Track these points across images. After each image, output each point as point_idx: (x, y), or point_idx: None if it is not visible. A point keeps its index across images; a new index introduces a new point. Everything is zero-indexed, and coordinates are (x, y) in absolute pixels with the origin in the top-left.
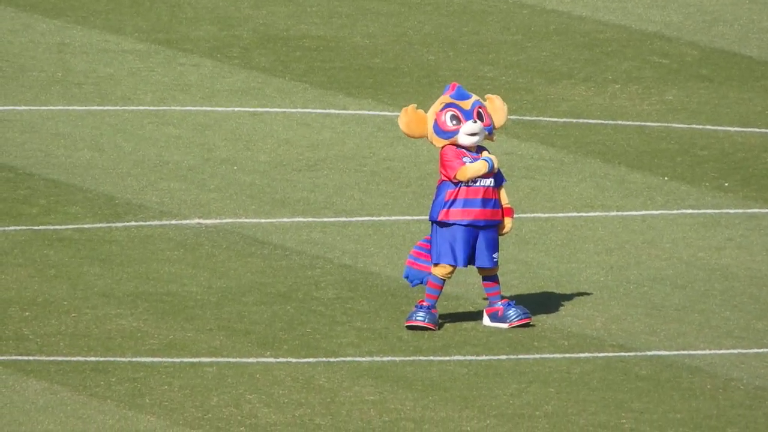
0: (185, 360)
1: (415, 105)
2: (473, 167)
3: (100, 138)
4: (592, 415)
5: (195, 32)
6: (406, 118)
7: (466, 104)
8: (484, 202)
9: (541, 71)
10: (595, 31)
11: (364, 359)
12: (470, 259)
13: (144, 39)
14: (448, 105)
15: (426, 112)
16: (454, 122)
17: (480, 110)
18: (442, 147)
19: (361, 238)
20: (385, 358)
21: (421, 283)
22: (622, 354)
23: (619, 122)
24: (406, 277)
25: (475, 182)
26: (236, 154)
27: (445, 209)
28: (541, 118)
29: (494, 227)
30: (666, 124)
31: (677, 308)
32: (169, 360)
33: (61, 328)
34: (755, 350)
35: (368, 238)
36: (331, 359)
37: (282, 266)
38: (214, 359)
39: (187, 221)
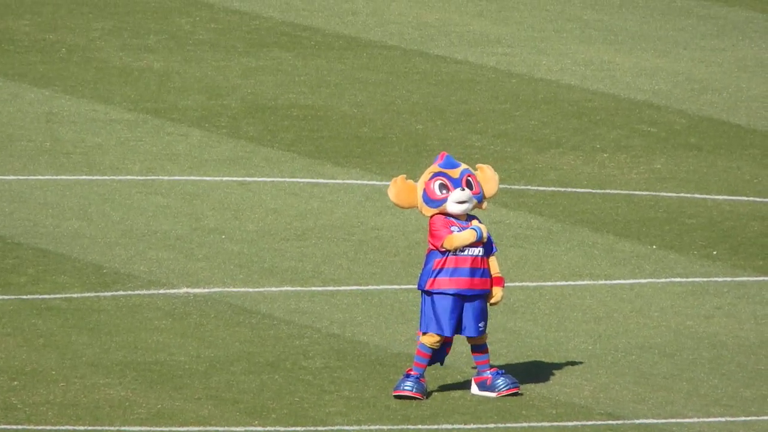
0: (174, 429)
1: (405, 175)
2: (460, 236)
3: (88, 207)
4: None
5: (183, 101)
6: (396, 188)
7: (455, 173)
8: (473, 271)
9: (529, 140)
10: (583, 99)
11: (352, 428)
12: (458, 328)
13: (132, 108)
14: (437, 174)
15: (415, 182)
16: (443, 191)
17: (469, 178)
18: (431, 216)
19: (349, 307)
20: (373, 427)
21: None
22: (611, 422)
23: (608, 191)
24: (434, 362)
25: (463, 251)
26: (224, 223)
27: (432, 278)
28: (529, 186)
29: (482, 297)
30: (654, 193)
31: (665, 376)
32: (158, 429)
33: (49, 397)
34: (743, 418)
35: (356, 307)
36: (320, 428)
37: (270, 335)
38: (202, 428)
39: (175, 290)
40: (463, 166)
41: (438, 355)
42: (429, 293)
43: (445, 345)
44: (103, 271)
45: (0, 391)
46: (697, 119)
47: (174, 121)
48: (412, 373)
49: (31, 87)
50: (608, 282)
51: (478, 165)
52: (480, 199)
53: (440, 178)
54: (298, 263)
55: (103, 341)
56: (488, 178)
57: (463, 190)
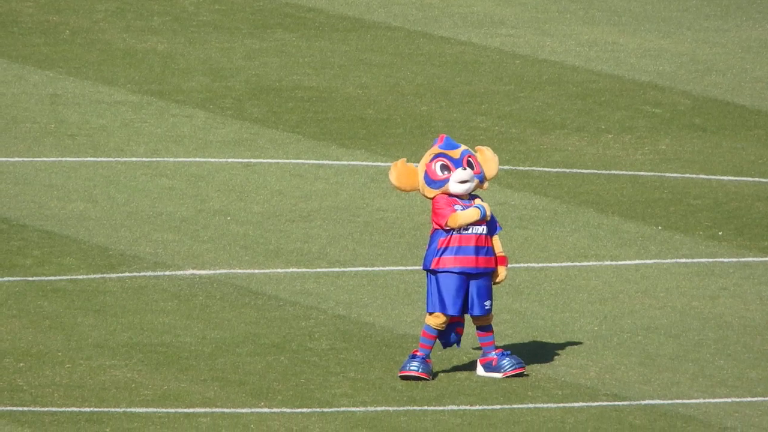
0: (179, 411)
1: (405, 159)
2: (464, 214)
3: (93, 189)
4: None
5: (187, 83)
6: (396, 171)
7: (455, 153)
8: (477, 249)
9: (534, 121)
10: (588, 81)
11: (358, 409)
12: (463, 308)
13: (136, 90)
14: (438, 155)
15: (415, 165)
16: (444, 171)
17: (470, 159)
18: (434, 196)
19: (354, 288)
20: (379, 408)
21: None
22: (616, 403)
23: (613, 172)
24: (451, 344)
25: (467, 230)
26: (229, 205)
27: (437, 257)
28: (534, 168)
29: (487, 275)
30: (659, 174)
31: (671, 357)
32: (164, 411)
33: (55, 379)
34: (749, 399)
35: (362, 289)
36: (325, 409)
37: (276, 317)
38: (208, 410)
39: (181, 272)
40: (463, 147)
41: (451, 336)
42: (434, 272)
43: (456, 325)
44: (109, 253)
45: (6, 373)
46: (702, 100)
47: (178, 102)
48: (418, 353)
49: (35, 69)
50: (614, 263)
51: (478, 147)
52: (481, 178)
53: (441, 159)
54: (304, 245)
55: (108, 323)
56: (488, 159)
57: (465, 169)
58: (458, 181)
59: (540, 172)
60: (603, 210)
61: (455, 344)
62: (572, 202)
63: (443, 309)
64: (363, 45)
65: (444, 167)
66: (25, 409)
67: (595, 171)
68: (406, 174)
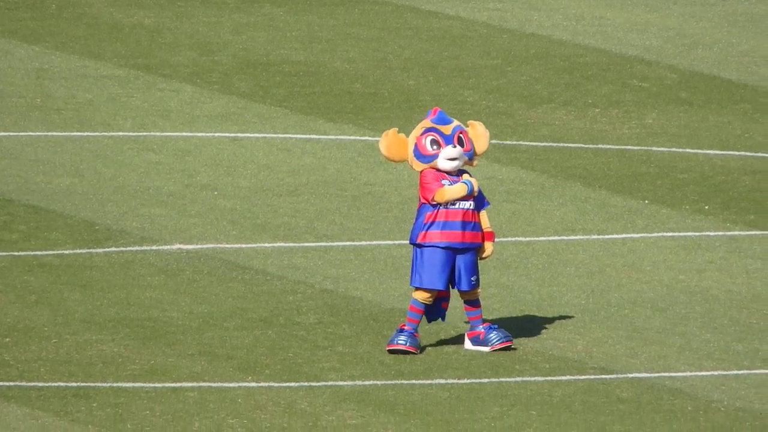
0: (167, 385)
1: (396, 129)
2: (451, 189)
3: (80, 164)
4: None
5: (175, 58)
6: (387, 141)
7: (447, 129)
8: (464, 224)
9: (521, 95)
10: (575, 55)
11: (346, 383)
12: (450, 283)
13: (123, 65)
14: (429, 129)
15: (407, 136)
16: (434, 147)
17: (461, 135)
18: (422, 170)
19: (342, 262)
20: (367, 382)
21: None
22: (604, 377)
23: (600, 146)
24: (436, 318)
25: (454, 205)
26: (217, 179)
27: (423, 231)
28: (521, 142)
29: (474, 250)
30: (646, 148)
31: (658, 331)
32: (151, 385)
33: (42, 353)
34: (735, 372)
35: (349, 263)
36: (313, 384)
37: (263, 291)
38: (195, 384)
39: (168, 247)
40: (455, 122)
41: (437, 311)
42: (420, 247)
43: (442, 300)
44: (96, 228)
45: None
46: (689, 74)
47: (165, 77)
48: (405, 328)
49: (22, 43)
50: (601, 237)
51: (470, 121)
52: (471, 156)
53: (432, 134)
54: (291, 219)
55: (95, 298)
56: (479, 134)
57: (455, 147)
58: (447, 158)
59: (527, 146)
60: (590, 184)
61: (440, 318)
62: (559, 176)
63: (430, 284)
64: (350, 19)
65: (434, 142)
66: (12, 384)
67: (582, 145)
68: (396, 144)
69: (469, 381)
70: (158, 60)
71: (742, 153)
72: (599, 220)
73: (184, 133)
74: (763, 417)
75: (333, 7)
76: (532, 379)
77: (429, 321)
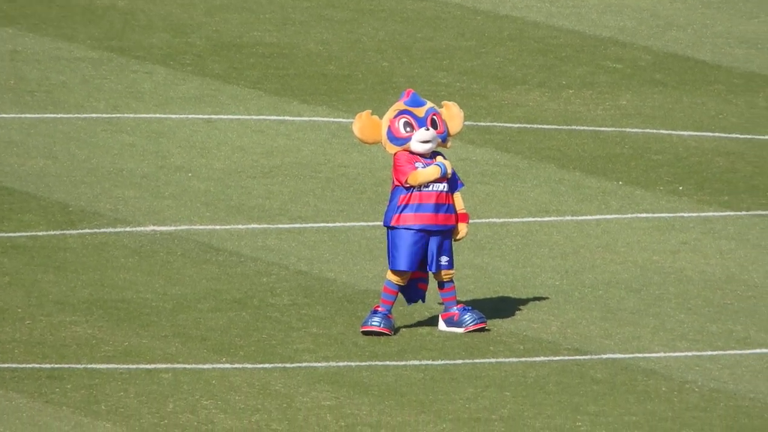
0: (141, 367)
1: (370, 111)
2: (425, 172)
3: (53, 146)
4: (548, 419)
5: (148, 40)
6: (360, 123)
7: (420, 111)
8: (437, 207)
9: (495, 77)
10: (549, 36)
11: (320, 365)
12: (424, 264)
13: (97, 47)
14: (402, 112)
15: (380, 118)
16: (407, 129)
17: (434, 117)
18: (395, 152)
19: (316, 244)
20: (341, 364)
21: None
22: (578, 357)
23: (574, 127)
24: (415, 300)
25: (428, 187)
26: (190, 161)
27: (397, 214)
28: (495, 123)
29: (447, 232)
30: (620, 129)
31: (632, 312)
32: (125, 367)
33: (15, 335)
34: (710, 353)
35: (323, 245)
36: (287, 365)
37: (237, 273)
38: (169, 366)
39: (142, 228)
40: (429, 104)
41: (416, 293)
42: (394, 229)
43: (419, 281)
44: (69, 210)
45: None
46: (662, 55)
47: (139, 59)
48: (379, 309)
49: None
50: (575, 218)
51: (444, 102)
52: (444, 138)
53: (405, 116)
54: (265, 201)
55: (69, 279)
56: (453, 115)
57: (428, 129)
58: (420, 140)
59: (501, 127)
60: (564, 165)
61: (420, 300)
62: (534, 157)
63: (403, 266)
64: (324, 1)
65: (407, 124)
66: None
67: (557, 126)
68: (370, 126)
69: (443, 362)
70: (131, 42)
71: (716, 134)
72: (573, 201)
73: (157, 115)
74: (737, 397)
75: None
76: (507, 360)
77: (409, 303)
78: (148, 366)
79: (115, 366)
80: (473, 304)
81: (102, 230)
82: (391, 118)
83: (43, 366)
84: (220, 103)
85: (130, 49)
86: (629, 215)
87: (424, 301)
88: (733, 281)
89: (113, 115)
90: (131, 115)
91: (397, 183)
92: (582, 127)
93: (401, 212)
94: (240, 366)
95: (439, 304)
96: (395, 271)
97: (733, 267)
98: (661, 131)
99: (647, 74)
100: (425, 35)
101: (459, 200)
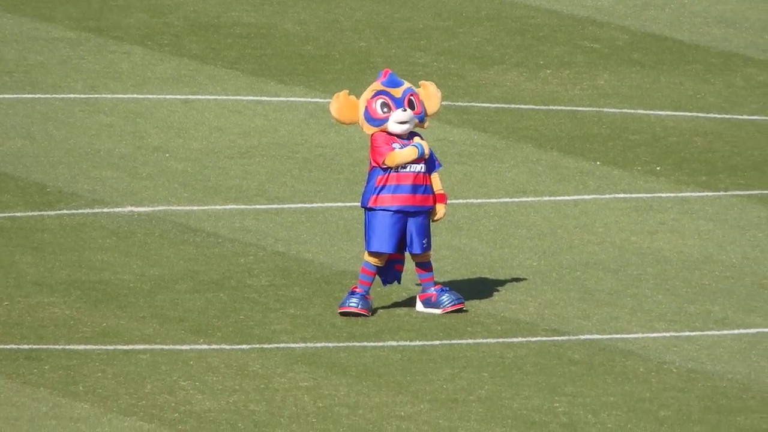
0: (118, 347)
1: (347, 91)
2: (402, 153)
3: (30, 126)
4: (525, 399)
5: (125, 20)
6: (338, 104)
7: (397, 92)
8: (414, 188)
9: (472, 57)
10: (526, 16)
11: (297, 345)
12: (401, 246)
13: (74, 27)
14: (379, 92)
15: (358, 98)
16: (385, 110)
17: (411, 98)
18: (373, 133)
19: (293, 225)
20: (318, 345)
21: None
22: (556, 338)
23: (551, 107)
24: (391, 281)
25: (405, 168)
26: (168, 141)
27: (374, 195)
28: (473, 103)
29: (425, 213)
30: (598, 109)
31: (610, 292)
32: (103, 348)
33: None
34: (687, 333)
35: (301, 225)
36: (265, 346)
37: (215, 254)
38: (147, 346)
39: (120, 209)
40: (406, 84)
41: (392, 274)
42: (372, 210)
43: (395, 263)
44: (47, 190)
45: None
46: (640, 35)
47: (116, 39)
48: (357, 290)
49: None
50: (552, 198)
51: (421, 82)
52: (422, 118)
53: (382, 96)
54: (243, 181)
55: (47, 260)
56: (430, 94)
57: (405, 110)
58: (397, 121)
59: (479, 107)
60: (542, 145)
61: (395, 281)
62: (511, 137)
63: (380, 247)
64: None
65: (384, 105)
66: None
67: (534, 106)
68: (347, 107)
69: (420, 343)
70: (109, 22)
71: (694, 114)
72: (551, 181)
73: (135, 95)
74: (715, 378)
75: None
76: (484, 341)
77: (385, 284)
78: (125, 347)
79: (93, 347)
80: (451, 285)
81: (80, 211)
82: (368, 98)
83: (21, 347)
84: (197, 83)
85: (108, 29)
86: (607, 195)
87: (399, 283)
88: (711, 261)
89: (91, 96)
90: (109, 96)
91: (374, 164)
92: (559, 107)
93: (379, 193)
94: (218, 347)
95: (417, 285)
96: (373, 253)
97: (711, 247)
98: (639, 111)
99: (625, 54)
100: (402, 15)
101: (436, 181)
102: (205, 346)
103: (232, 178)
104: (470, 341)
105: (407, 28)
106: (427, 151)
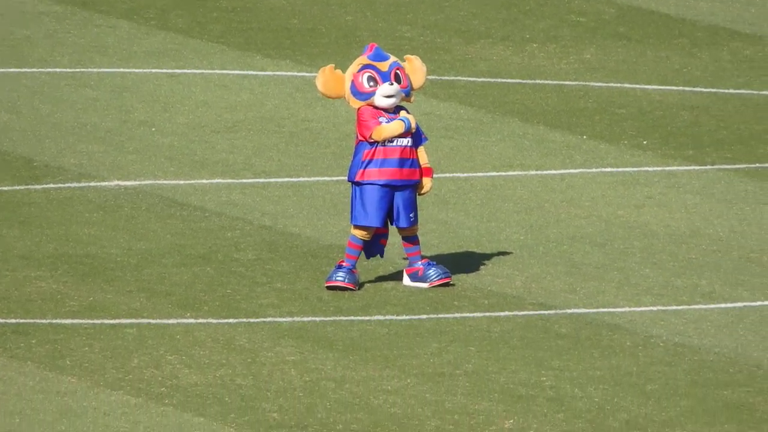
0: (105, 322)
1: (333, 65)
2: (389, 127)
3: (17, 101)
4: (512, 374)
5: None
6: (324, 78)
7: (384, 66)
8: (401, 162)
9: (459, 31)
10: None
11: (284, 320)
12: (387, 220)
13: (60, 1)
14: (366, 66)
15: (344, 72)
16: (371, 84)
17: (398, 72)
18: (359, 107)
19: (280, 199)
20: (305, 319)
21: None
22: (542, 312)
23: (538, 81)
24: (375, 254)
25: (392, 142)
26: (154, 116)
27: (361, 169)
28: (459, 77)
29: (411, 187)
30: (584, 83)
31: (597, 266)
32: (90, 322)
33: None
34: (674, 307)
35: (287, 199)
36: (252, 320)
37: (201, 228)
38: (134, 321)
39: (106, 183)
40: (392, 58)
41: (376, 247)
42: (358, 184)
43: (381, 236)
44: (33, 165)
45: None
46: (626, 9)
47: (102, 13)
48: (344, 264)
49: None
50: (539, 172)
51: (407, 56)
52: (408, 92)
53: (369, 70)
54: (229, 155)
55: (34, 234)
56: (416, 69)
57: (392, 84)
58: (384, 95)
59: (465, 81)
60: (528, 119)
61: (378, 255)
62: (497, 111)
63: (367, 221)
64: None
65: (371, 79)
66: None
67: (521, 80)
68: (333, 81)
69: (407, 317)
70: None
71: (681, 88)
72: (537, 155)
73: (121, 70)
74: (702, 352)
75: None
76: (471, 315)
77: (368, 257)
78: (112, 321)
79: (80, 321)
80: (437, 259)
81: (66, 185)
82: (354, 72)
83: (7, 321)
84: (183, 57)
85: (94, 3)
86: (593, 170)
87: (382, 256)
88: (697, 235)
89: (77, 70)
90: (95, 70)
91: (361, 138)
92: (546, 81)
93: (366, 167)
94: (204, 321)
95: (404, 259)
96: (360, 227)
97: (698, 221)
98: (625, 85)
99: (611, 28)
100: None
101: (423, 155)
102: (191, 321)
103: (219, 152)
104: (457, 315)
105: (393, 2)
106: (413, 125)
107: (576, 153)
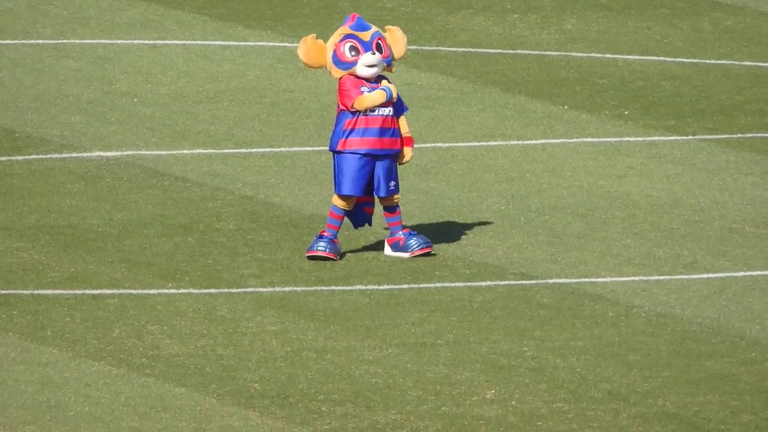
0: (87, 292)
1: (315, 35)
2: (370, 97)
3: None
4: (494, 344)
5: None
6: (305, 47)
7: (366, 35)
8: (382, 131)
9: (440, 1)
10: None
11: (265, 290)
12: (369, 189)
13: None
14: (347, 36)
15: (326, 42)
16: (353, 53)
17: (379, 42)
18: (341, 77)
19: (261, 169)
20: (286, 289)
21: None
22: (524, 282)
23: (519, 51)
24: (362, 223)
25: (374, 111)
26: (136, 86)
27: (343, 139)
28: (440, 48)
29: (392, 156)
30: (565, 53)
31: (578, 236)
32: (71, 292)
33: None
34: (656, 277)
35: (269, 170)
36: (233, 290)
37: (183, 198)
38: (115, 291)
39: (88, 154)
40: (374, 28)
41: (362, 216)
42: (340, 153)
43: (365, 205)
44: (16, 136)
45: None
46: None
47: None
48: (325, 234)
49: None
50: (520, 142)
51: (388, 27)
52: (389, 62)
53: (351, 40)
54: (211, 126)
55: (15, 205)
56: (397, 39)
57: (374, 54)
58: (366, 65)
59: (446, 51)
60: (509, 89)
61: (366, 224)
62: (479, 81)
63: (348, 190)
64: None
65: (353, 49)
66: None
67: (502, 51)
68: (315, 51)
69: (389, 287)
70: None
71: (662, 58)
72: (519, 125)
73: (103, 41)
74: (684, 322)
75: None
76: (452, 284)
77: (356, 227)
78: (94, 291)
79: (61, 291)
80: (419, 229)
81: (48, 156)
82: (336, 42)
83: None
84: (165, 28)
85: None
86: (575, 140)
87: (371, 225)
88: (679, 205)
89: (59, 41)
90: (77, 41)
91: (342, 107)
92: (527, 51)
93: (347, 137)
94: (185, 291)
95: (385, 228)
96: (341, 196)
97: (680, 191)
98: (606, 55)
99: None
100: None
101: (404, 124)
102: (173, 291)
103: (200, 122)
104: (438, 285)
105: None
106: (395, 95)
107: (557, 123)
